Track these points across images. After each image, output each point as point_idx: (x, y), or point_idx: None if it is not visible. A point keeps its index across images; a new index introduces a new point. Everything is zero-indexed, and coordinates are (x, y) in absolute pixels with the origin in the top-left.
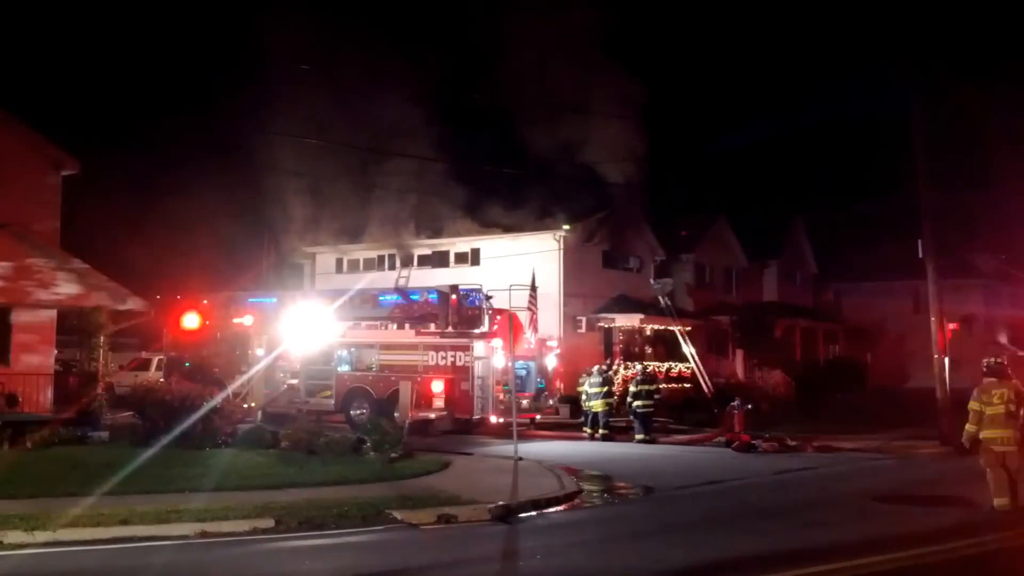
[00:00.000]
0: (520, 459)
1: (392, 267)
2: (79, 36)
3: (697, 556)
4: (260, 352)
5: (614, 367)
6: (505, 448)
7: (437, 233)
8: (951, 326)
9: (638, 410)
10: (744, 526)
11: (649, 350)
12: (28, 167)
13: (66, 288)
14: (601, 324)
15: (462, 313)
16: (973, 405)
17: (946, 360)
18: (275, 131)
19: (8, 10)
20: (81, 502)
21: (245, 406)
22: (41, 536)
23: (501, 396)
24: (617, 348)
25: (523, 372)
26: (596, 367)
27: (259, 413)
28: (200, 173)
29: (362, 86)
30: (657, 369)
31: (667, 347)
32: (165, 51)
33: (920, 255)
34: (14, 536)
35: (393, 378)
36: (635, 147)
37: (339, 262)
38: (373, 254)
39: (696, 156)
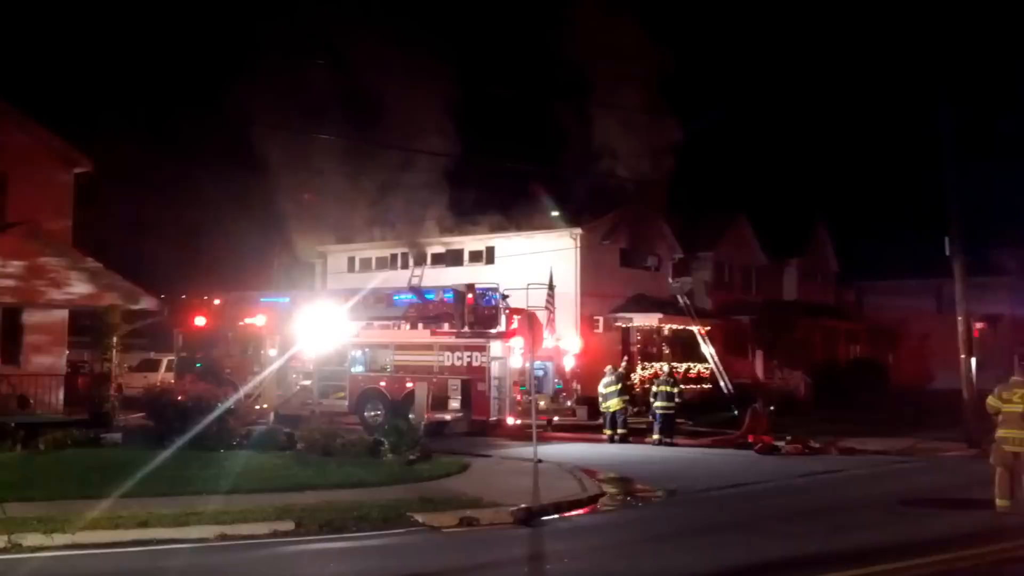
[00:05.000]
0: (540, 461)
1: (404, 266)
2: (93, 34)
3: (725, 560)
4: (272, 353)
5: (628, 368)
6: (523, 450)
7: (451, 231)
8: (978, 325)
9: (658, 411)
10: (771, 530)
11: (667, 350)
12: (41, 165)
13: (79, 287)
14: (619, 324)
15: (478, 313)
16: (991, 401)
17: (972, 360)
18: (286, 128)
19: (23, 8)
20: (98, 504)
21: (257, 407)
22: (60, 539)
23: (518, 397)
24: (635, 349)
25: (540, 373)
26: (609, 367)
27: (272, 414)
28: (212, 171)
29: (376, 79)
30: (676, 369)
31: (686, 347)
32: (177, 48)
33: (947, 253)
34: (33, 539)
35: (408, 379)
36: (653, 143)
37: (351, 261)
38: (385, 253)
39: (716, 152)
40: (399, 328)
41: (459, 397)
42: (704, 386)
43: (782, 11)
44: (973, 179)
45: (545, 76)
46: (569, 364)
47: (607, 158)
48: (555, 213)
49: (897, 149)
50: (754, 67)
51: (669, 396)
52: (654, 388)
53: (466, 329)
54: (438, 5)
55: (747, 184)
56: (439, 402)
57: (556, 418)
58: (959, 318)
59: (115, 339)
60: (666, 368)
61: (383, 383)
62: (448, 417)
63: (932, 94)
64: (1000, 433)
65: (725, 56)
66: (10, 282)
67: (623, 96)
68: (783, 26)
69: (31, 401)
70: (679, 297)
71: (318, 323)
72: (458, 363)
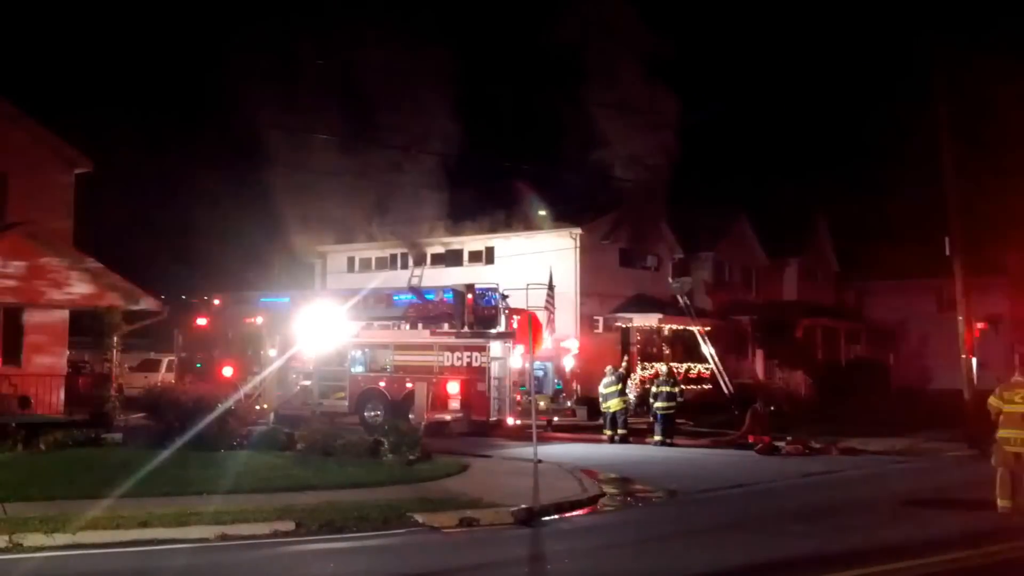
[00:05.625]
0: (540, 461)
1: (404, 266)
2: (93, 34)
3: (727, 560)
4: (272, 353)
5: (627, 368)
6: (523, 450)
7: (450, 231)
8: (979, 326)
9: (659, 411)
10: (773, 530)
11: (667, 351)
12: (42, 165)
13: (80, 288)
14: (618, 324)
15: (478, 313)
16: (992, 401)
17: (973, 361)
18: (286, 127)
19: (25, 9)
20: (99, 504)
21: (257, 407)
22: (61, 539)
23: (518, 397)
24: (634, 349)
25: (540, 373)
26: (609, 367)
27: (272, 414)
28: (212, 171)
29: (376, 77)
30: (675, 370)
31: (686, 347)
32: (178, 47)
33: (947, 252)
34: (34, 539)
35: (408, 379)
36: (653, 144)
37: (350, 261)
38: (385, 253)
39: (715, 150)
40: (399, 328)
41: (459, 397)
42: (704, 386)
43: (781, 6)
44: (973, 179)
45: (545, 73)
46: (569, 364)
47: (607, 156)
48: (542, 212)
49: (897, 149)
50: (754, 66)
51: (670, 396)
52: (654, 388)
53: (466, 329)
54: (439, 4)
55: (747, 183)
56: (439, 402)
57: (556, 418)
58: (959, 318)
59: (116, 339)
60: (665, 368)
61: (383, 383)
62: (448, 417)
63: (932, 93)
64: (1001, 434)
65: (724, 54)
66: (11, 282)
67: (622, 92)
68: (782, 24)
69: (32, 401)
70: (679, 297)
71: (318, 323)
72: (458, 363)
